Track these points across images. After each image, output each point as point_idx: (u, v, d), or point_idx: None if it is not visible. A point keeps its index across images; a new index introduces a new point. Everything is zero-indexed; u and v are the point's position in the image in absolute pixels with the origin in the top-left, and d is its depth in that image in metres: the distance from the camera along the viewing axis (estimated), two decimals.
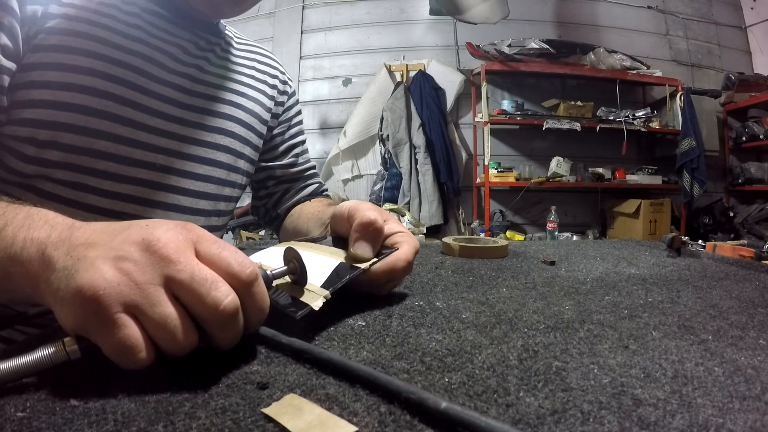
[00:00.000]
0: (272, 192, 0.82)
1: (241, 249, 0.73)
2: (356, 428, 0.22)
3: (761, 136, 3.48)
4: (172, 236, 0.28)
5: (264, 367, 0.29)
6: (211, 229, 0.67)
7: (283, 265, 0.37)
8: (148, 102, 0.58)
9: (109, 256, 0.27)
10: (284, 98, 0.80)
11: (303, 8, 3.74)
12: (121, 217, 0.57)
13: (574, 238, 3.32)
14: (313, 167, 0.86)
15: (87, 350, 0.27)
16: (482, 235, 3.00)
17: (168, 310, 0.27)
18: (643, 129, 3.36)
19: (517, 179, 3.34)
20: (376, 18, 3.67)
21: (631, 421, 0.23)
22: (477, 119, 3.39)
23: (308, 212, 0.74)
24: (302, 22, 3.74)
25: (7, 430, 0.22)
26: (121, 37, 0.57)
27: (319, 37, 3.72)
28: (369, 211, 0.43)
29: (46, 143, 0.53)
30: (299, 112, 0.85)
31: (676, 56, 3.78)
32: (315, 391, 0.26)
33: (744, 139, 3.60)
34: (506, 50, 3.27)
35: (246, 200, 1.04)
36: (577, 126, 3.22)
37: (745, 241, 2.81)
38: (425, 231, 3.17)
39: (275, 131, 0.79)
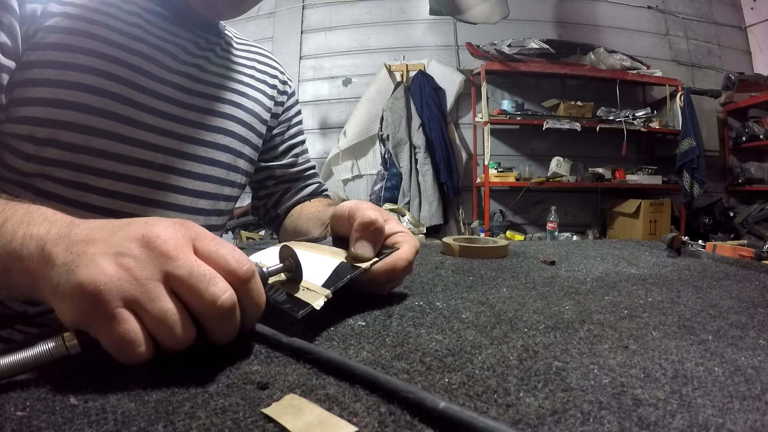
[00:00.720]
0: (272, 192, 0.82)
1: (241, 249, 0.73)
2: (356, 428, 0.22)
3: (761, 136, 3.47)
4: (171, 233, 0.29)
5: (264, 367, 0.29)
6: (211, 228, 0.67)
7: (279, 262, 0.37)
8: (148, 101, 0.58)
9: (109, 252, 0.28)
10: (284, 98, 0.80)
11: (303, 8, 3.74)
12: (120, 216, 0.57)
13: (574, 238, 3.32)
14: (313, 167, 0.86)
15: (86, 345, 0.28)
16: (482, 235, 3.00)
17: (167, 305, 0.27)
18: (643, 129, 3.36)
19: (517, 179, 3.34)
20: (376, 18, 3.67)
21: (631, 421, 0.23)
22: (477, 119, 3.39)
23: (308, 212, 0.74)
24: (302, 22, 3.74)
25: (7, 429, 0.22)
26: (120, 35, 0.57)
27: (319, 37, 3.72)
28: (370, 211, 0.43)
29: (45, 141, 0.53)
30: (299, 112, 0.85)
31: (676, 56, 3.78)
32: (315, 391, 0.26)
33: (744, 139, 3.59)
34: (506, 50, 3.27)
35: (246, 200, 1.04)
36: (577, 126, 3.22)
37: (745, 241, 2.81)
38: (425, 231, 3.16)
39: (275, 131, 0.79)
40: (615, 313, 0.41)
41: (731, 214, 3.54)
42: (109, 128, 0.55)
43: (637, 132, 3.37)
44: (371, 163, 3.54)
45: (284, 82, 0.80)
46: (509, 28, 3.37)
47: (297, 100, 0.85)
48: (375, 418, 0.23)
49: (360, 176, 3.56)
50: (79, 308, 0.27)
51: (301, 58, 3.72)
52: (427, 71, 3.45)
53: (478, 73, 3.32)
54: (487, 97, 3.27)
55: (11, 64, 0.52)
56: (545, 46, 3.26)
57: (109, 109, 0.55)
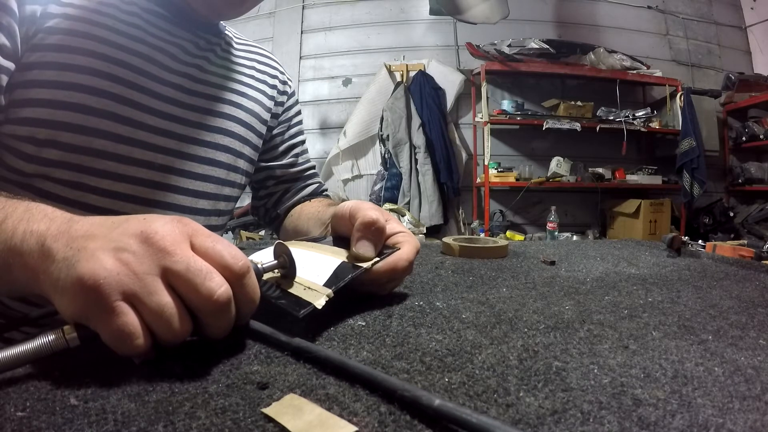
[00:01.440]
0: (272, 192, 0.82)
1: (241, 249, 0.73)
2: (356, 428, 0.22)
3: (761, 136, 3.48)
4: (169, 229, 0.30)
5: (264, 367, 0.29)
6: (211, 228, 0.66)
7: (273, 259, 0.38)
8: (148, 101, 0.58)
9: (108, 247, 0.28)
10: (284, 98, 0.80)
11: (303, 8, 3.74)
12: None
13: (574, 238, 3.32)
14: (313, 167, 0.86)
15: (86, 338, 0.28)
16: (482, 235, 3.00)
17: (164, 299, 0.28)
18: (643, 129, 3.36)
19: (517, 179, 3.34)
20: (376, 18, 3.67)
21: (631, 421, 0.23)
22: (477, 119, 3.39)
23: (308, 212, 0.74)
24: (302, 22, 3.74)
25: (7, 430, 0.22)
26: (120, 36, 0.57)
27: (319, 37, 3.72)
28: (371, 211, 0.43)
29: (45, 142, 0.53)
30: (299, 112, 0.85)
31: (676, 56, 3.78)
32: (315, 391, 0.26)
33: (744, 139, 3.60)
34: (506, 50, 3.27)
35: (246, 200, 1.04)
36: (577, 126, 3.22)
37: (745, 241, 2.80)
38: (425, 231, 3.17)
39: (275, 131, 0.79)
40: (615, 313, 0.41)
41: (731, 214, 3.54)
42: (109, 129, 0.55)
43: (637, 132, 3.37)
44: (371, 163, 3.54)
45: (284, 82, 0.80)
46: (509, 28, 3.37)
47: (297, 100, 0.85)
48: (375, 417, 0.23)
49: (360, 176, 3.56)
50: (79, 301, 0.27)
51: (301, 58, 3.72)
52: (427, 71, 3.45)
53: (478, 73, 3.32)
54: (487, 97, 3.27)
55: (11, 65, 0.52)
56: (545, 46, 3.26)
57: (109, 109, 0.55)
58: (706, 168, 3.32)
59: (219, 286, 0.28)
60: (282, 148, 0.80)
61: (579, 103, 3.36)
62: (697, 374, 0.28)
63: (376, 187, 3.38)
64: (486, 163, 3.23)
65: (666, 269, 0.63)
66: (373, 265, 0.41)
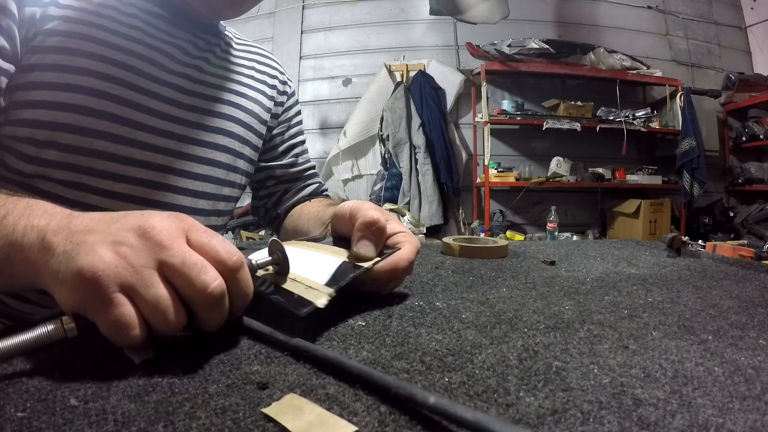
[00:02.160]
0: (272, 192, 0.82)
1: (241, 249, 0.73)
2: (356, 428, 0.22)
3: (761, 136, 3.48)
4: (166, 224, 0.30)
5: (264, 367, 0.29)
6: (211, 228, 0.67)
7: (268, 256, 0.38)
8: (147, 102, 0.58)
9: (107, 241, 0.29)
10: (284, 98, 0.80)
11: (303, 8, 3.74)
12: None
13: (574, 238, 3.32)
14: (313, 167, 0.86)
15: (83, 328, 0.29)
16: (482, 235, 3.00)
17: (160, 291, 0.28)
18: (643, 129, 3.36)
19: (517, 179, 3.34)
20: (376, 18, 3.67)
21: (631, 421, 0.23)
22: (477, 119, 3.39)
23: (308, 212, 0.74)
24: (302, 22, 3.74)
25: (8, 430, 0.22)
26: (119, 37, 0.57)
27: (319, 37, 3.72)
28: (371, 211, 0.43)
29: (45, 143, 0.53)
30: (299, 113, 0.85)
31: (676, 56, 3.78)
32: (315, 390, 0.26)
33: (744, 139, 3.60)
34: (506, 50, 3.27)
35: (246, 200, 1.03)
36: (577, 126, 3.22)
37: (745, 241, 2.80)
38: (425, 231, 3.17)
39: (275, 131, 0.79)
40: (615, 313, 0.41)
41: (731, 214, 3.54)
42: (109, 130, 0.55)
43: (637, 132, 3.37)
44: (371, 163, 3.54)
45: (284, 83, 0.80)
46: (509, 28, 3.37)
47: (297, 100, 0.85)
48: (375, 417, 0.23)
49: (360, 176, 3.56)
50: (78, 293, 0.28)
51: (301, 58, 3.72)
52: (427, 71, 3.45)
53: (478, 73, 3.32)
54: (487, 97, 3.27)
55: (10, 67, 0.52)
56: (545, 46, 3.26)
57: (109, 110, 0.55)
58: (706, 168, 3.32)
59: (213, 279, 0.29)
60: (282, 148, 0.80)
61: (579, 103, 3.36)
62: (697, 374, 0.28)
63: (376, 187, 3.38)
64: (486, 163, 3.23)
65: (666, 269, 0.63)
66: (373, 265, 0.41)
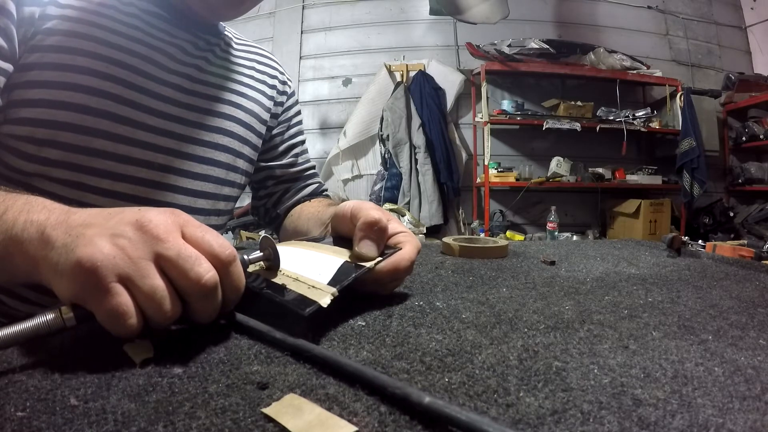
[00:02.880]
0: (272, 192, 0.82)
1: (241, 249, 0.73)
2: (356, 428, 0.22)
3: (761, 136, 3.48)
4: (163, 219, 0.31)
5: (264, 367, 0.29)
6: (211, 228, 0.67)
7: (259, 252, 0.39)
8: (147, 101, 0.58)
9: (105, 233, 0.30)
10: (283, 98, 0.80)
11: (303, 8, 3.74)
12: None
13: (574, 238, 3.32)
14: (313, 167, 0.86)
15: (82, 317, 0.30)
16: (482, 235, 3.00)
17: (156, 282, 0.29)
18: (643, 129, 3.36)
19: (517, 179, 3.34)
20: (376, 18, 3.67)
21: (631, 421, 0.23)
22: (477, 119, 3.39)
23: (308, 212, 0.74)
24: (302, 22, 3.74)
25: (7, 430, 0.22)
26: (119, 37, 0.57)
27: (319, 37, 3.72)
28: (373, 211, 0.43)
29: (45, 142, 0.53)
30: (299, 113, 0.85)
31: (676, 56, 3.79)
32: (315, 391, 0.26)
33: (744, 139, 3.60)
34: (506, 50, 3.27)
35: (246, 200, 1.03)
36: (577, 126, 3.22)
37: (745, 241, 2.81)
38: (425, 231, 3.16)
39: (275, 131, 0.79)
40: (615, 313, 0.41)
41: (731, 214, 3.54)
42: (109, 129, 0.55)
43: (637, 132, 3.37)
44: (371, 163, 3.54)
45: (284, 83, 0.80)
46: (509, 28, 3.37)
47: (297, 100, 0.85)
48: (375, 417, 0.23)
49: (360, 176, 3.56)
50: (77, 283, 0.29)
51: (301, 58, 3.72)
52: (427, 71, 3.45)
53: (478, 73, 3.32)
54: (487, 97, 3.27)
55: (9, 67, 0.52)
56: (545, 46, 3.26)
57: (109, 110, 0.55)
58: (706, 168, 3.32)
59: (207, 271, 0.30)
60: (282, 148, 0.80)
61: (579, 103, 3.36)
62: (697, 374, 0.28)
63: (376, 187, 3.38)
64: (486, 163, 3.23)
65: (666, 269, 0.63)
66: (375, 264, 0.41)
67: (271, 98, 0.77)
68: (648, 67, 3.49)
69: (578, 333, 0.36)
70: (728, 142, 3.75)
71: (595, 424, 0.23)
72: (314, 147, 3.60)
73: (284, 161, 0.81)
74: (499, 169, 3.34)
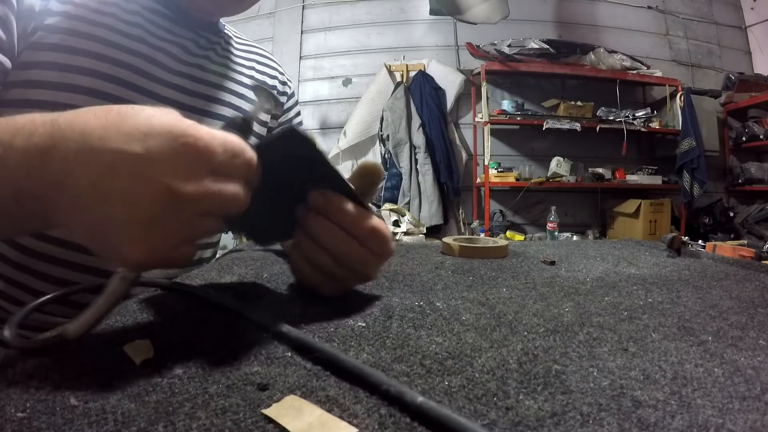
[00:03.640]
0: None
1: (240, 251, 0.73)
2: (356, 430, 0.22)
3: (761, 136, 3.48)
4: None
5: (264, 368, 0.29)
6: None
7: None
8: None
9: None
10: (283, 99, 0.80)
11: (303, 8, 3.74)
12: None
13: (574, 238, 3.32)
14: None
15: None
16: (482, 235, 3.00)
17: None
18: (643, 129, 3.36)
19: (517, 179, 3.34)
20: (376, 18, 3.67)
21: (630, 423, 0.23)
22: (477, 119, 3.39)
23: None
24: (302, 22, 3.74)
25: (8, 430, 0.22)
26: (122, 36, 0.57)
27: (319, 37, 3.72)
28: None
29: None
30: (299, 113, 0.85)
31: (676, 56, 3.78)
32: (315, 392, 0.26)
33: (744, 139, 3.60)
34: (506, 50, 3.27)
35: None
36: (577, 126, 3.22)
37: (745, 241, 2.81)
38: (425, 231, 3.16)
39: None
40: (615, 315, 0.41)
41: (731, 214, 3.54)
42: None
43: (637, 132, 3.37)
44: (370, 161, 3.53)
45: (284, 83, 0.80)
46: (509, 28, 3.37)
47: (297, 101, 0.85)
48: (375, 419, 0.23)
49: None
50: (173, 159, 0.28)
51: (301, 58, 3.72)
52: (427, 71, 3.45)
53: (478, 73, 3.32)
54: (487, 97, 3.27)
55: (6, 61, 0.50)
56: (545, 46, 3.26)
57: None
58: (706, 168, 3.32)
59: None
60: None
61: (579, 103, 3.36)
62: (697, 375, 0.28)
63: None
64: (486, 163, 3.23)
65: (666, 269, 0.63)
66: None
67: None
68: (648, 67, 3.49)
69: (578, 336, 0.36)
70: (728, 142, 3.75)
71: (595, 426, 0.23)
72: None
73: None
74: (499, 169, 3.34)
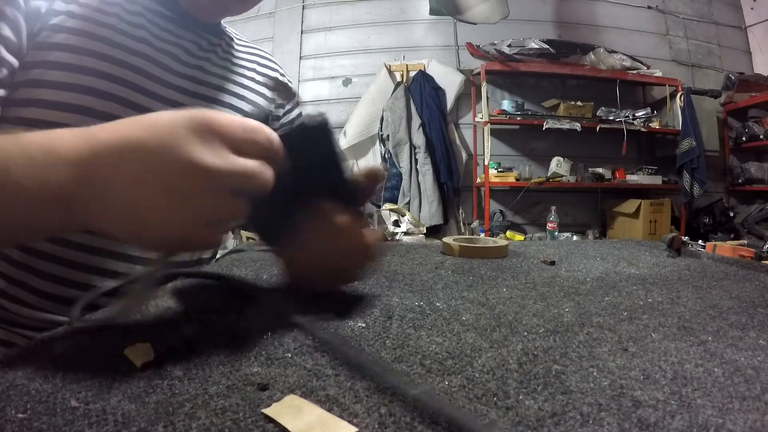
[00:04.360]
0: None
1: (241, 251, 0.73)
2: (356, 429, 0.22)
3: (761, 136, 3.47)
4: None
5: (264, 368, 0.29)
6: None
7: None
8: (152, 104, 0.58)
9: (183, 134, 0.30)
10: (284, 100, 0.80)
11: (303, 8, 3.74)
12: None
13: (574, 238, 3.32)
14: None
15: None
16: (482, 235, 3.00)
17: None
18: (643, 129, 3.36)
19: (517, 179, 3.34)
20: (376, 18, 3.67)
21: (630, 423, 0.23)
22: (477, 119, 3.39)
23: None
24: (302, 22, 3.74)
25: None
26: (124, 37, 0.57)
27: (319, 37, 3.72)
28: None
29: None
30: (300, 115, 0.85)
31: (676, 56, 3.78)
32: (315, 392, 0.26)
33: (744, 139, 3.59)
34: (506, 50, 3.27)
35: None
36: (577, 126, 3.22)
37: (745, 241, 2.81)
38: (425, 231, 3.16)
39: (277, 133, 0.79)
40: (615, 315, 0.41)
41: (731, 214, 3.54)
42: None
43: (637, 132, 3.37)
44: (371, 163, 3.53)
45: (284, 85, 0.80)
46: (509, 28, 3.37)
47: (298, 102, 0.84)
48: (375, 419, 0.23)
49: None
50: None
51: (301, 58, 3.72)
52: (427, 71, 3.45)
53: (478, 73, 3.32)
54: (487, 97, 3.27)
55: (13, 60, 0.50)
56: (545, 46, 3.26)
57: (114, 113, 0.54)
58: (706, 168, 3.32)
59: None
60: None
61: (579, 103, 3.36)
62: (697, 375, 0.29)
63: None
64: (486, 163, 3.23)
65: (666, 269, 0.63)
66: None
67: (271, 101, 0.77)
68: (648, 67, 3.49)
69: (578, 336, 0.36)
70: (728, 142, 3.75)
71: (595, 426, 0.23)
72: None
73: None
74: (499, 169, 3.34)
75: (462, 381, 0.28)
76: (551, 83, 3.58)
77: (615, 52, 3.41)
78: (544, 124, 3.23)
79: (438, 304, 0.44)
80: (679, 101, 3.40)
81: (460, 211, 3.53)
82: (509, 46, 3.28)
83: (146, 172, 0.29)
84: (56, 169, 0.30)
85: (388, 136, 3.31)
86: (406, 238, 2.98)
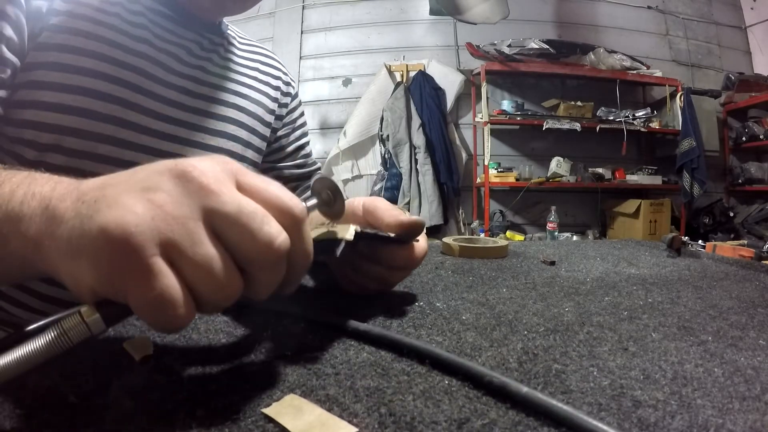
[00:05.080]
0: None
1: None
2: (356, 429, 0.22)
3: (761, 136, 3.48)
4: (209, 166, 0.24)
5: (265, 367, 0.29)
6: None
7: (314, 199, 0.33)
8: (152, 105, 0.57)
9: (135, 188, 0.23)
10: (287, 99, 0.80)
11: (303, 8, 3.74)
12: None
13: (574, 238, 3.32)
14: (319, 168, 0.86)
15: (112, 317, 0.23)
16: (482, 235, 3.00)
17: (211, 250, 0.23)
18: (643, 129, 3.36)
19: (517, 179, 3.34)
20: (376, 18, 3.67)
21: (630, 423, 0.23)
22: (477, 119, 3.39)
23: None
24: (302, 22, 3.74)
25: (7, 428, 0.22)
26: (126, 37, 0.56)
27: (319, 37, 3.72)
28: (396, 211, 0.45)
29: (49, 147, 0.52)
30: (302, 113, 0.85)
31: (676, 56, 3.78)
32: (315, 391, 0.26)
33: (744, 139, 3.60)
34: (506, 50, 3.27)
35: None
36: (577, 126, 3.22)
37: (745, 241, 2.81)
38: (425, 231, 3.16)
39: (279, 133, 0.79)
40: (615, 315, 0.41)
41: (731, 214, 3.55)
42: (115, 134, 0.54)
43: (637, 132, 3.37)
44: (371, 163, 3.54)
45: (287, 83, 0.80)
46: (509, 28, 3.37)
47: (300, 101, 0.84)
48: (375, 419, 0.23)
49: (360, 176, 3.56)
50: (102, 263, 0.22)
51: (301, 58, 3.72)
52: (427, 71, 3.45)
53: (478, 73, 3.32)
54: (487, 97, 3.27)
55: (16, 60, 0.50)
56: (545, 46, 3.26)
57: (115, 114, 0.54)
58: (706, 168, 3.32)
59: (279, 232, 0.24)
60: (290, 149, 0.80)
61: (579, 103, 3.36)
62: (697, 375, 0.28)
63: (376, 188, 3.38)
64: (486, 163, 3.23)
65: (666, 269, 0.63)
66: (394, 236, 0.40)
67: (274, 100, 0.76)
68: (648, 67, 3.49)
69: (578, 335, 0.36)
70: (728, 142, 3.75)
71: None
72: (314, 147, 3.55)
73: (293, 162, 0.81)
74: (499, 169, 3.34)
75: (462, 380, 0.28)
76: (551, 83, 3.58)
77: (615, 52, 3.41)
78: (544, 124, 3.23)
79: (438, 304, 0.44)
80: (679, 101, 3.40)
81: (460, 211, 3.53)
82: (509, 46, 3.28)
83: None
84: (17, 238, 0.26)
85: (388, 136, 3.31)
86: None
